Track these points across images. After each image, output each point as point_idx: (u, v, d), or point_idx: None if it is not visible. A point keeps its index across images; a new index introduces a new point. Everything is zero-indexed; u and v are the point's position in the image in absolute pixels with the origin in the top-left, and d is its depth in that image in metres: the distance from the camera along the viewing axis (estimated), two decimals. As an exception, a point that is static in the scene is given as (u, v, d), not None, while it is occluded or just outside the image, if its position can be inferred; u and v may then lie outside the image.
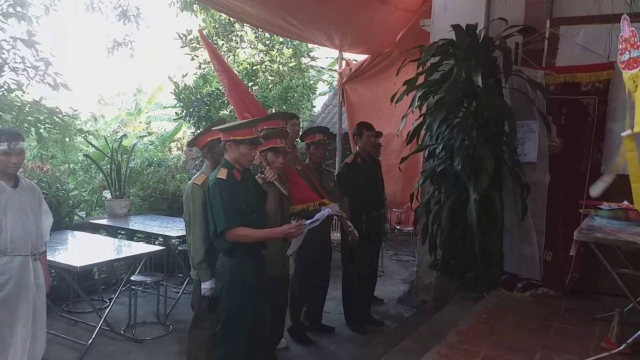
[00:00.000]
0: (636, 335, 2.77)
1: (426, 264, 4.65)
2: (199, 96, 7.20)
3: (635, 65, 2.58)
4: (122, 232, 5.51)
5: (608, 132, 4.00)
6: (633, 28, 2.67)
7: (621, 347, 2.81)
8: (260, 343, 3.20)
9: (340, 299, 4.60)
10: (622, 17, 2.66)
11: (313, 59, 10.23)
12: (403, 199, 6.97)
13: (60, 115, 5.61)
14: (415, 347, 3.09)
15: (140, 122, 12.31)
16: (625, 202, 3.26)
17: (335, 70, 9.29)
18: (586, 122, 4.08)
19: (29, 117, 5.29)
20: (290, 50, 9.34)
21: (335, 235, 5.36)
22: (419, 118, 4.22)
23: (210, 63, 6.71)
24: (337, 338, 4.30)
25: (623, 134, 2.72)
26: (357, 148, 4.52)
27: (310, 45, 9.52)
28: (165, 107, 12.08)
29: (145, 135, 10.53)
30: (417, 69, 4.21)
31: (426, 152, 4.39)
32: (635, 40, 2.63)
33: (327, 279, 4.34)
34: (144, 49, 14.11)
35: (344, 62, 7.69)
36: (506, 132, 3.98)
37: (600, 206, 3.34)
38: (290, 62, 9.40)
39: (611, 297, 3.73)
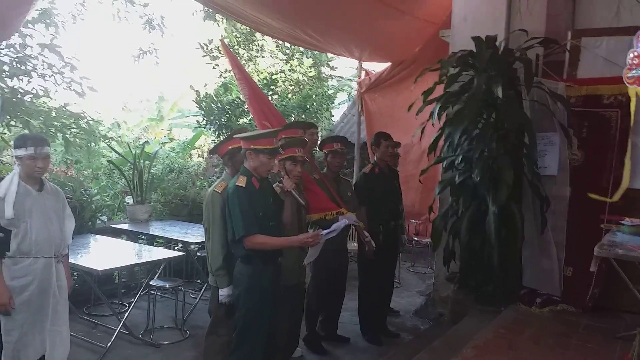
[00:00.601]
0: (658, 354, 2.71)
1: (443, 276, 4.61)
2: (219, 105, 7.31)
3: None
4: (143, 237, 5.59)
5: (632, 146, 3.93)
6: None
7: (642, 367, 2.75)
8: (276, 351, 3.22)
9: (356, 309, 4.59)
10: (638, 32, 2.63)
11: (333, 68, 10.30)
12: (421, 210, 6.93)
13: (86, 120, 5.75)
14: (430, 360, 3.07)
15: (162, 129, 12.52)
16: (649, 218, 3.20)
17: (354, 81, 9.32)
18: (608, 136, 4.01)
19: (55, 122, 5.44)
20: (310, 59, 9.41)
21: (352, 245, 5.36)
22: (438, 128, 4.21)
23: (231, 72, 6.82)
24: (352, 349, 4.29)
25: None
26: (375, 158, 4.53)
27: (330, 55, 9.58)
28: (186, 115, 12.27)
29: (167, 142, 10.71)
30: (439, 79, 4.21)
31: (445, 163, 4.38)
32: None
33: (343, 289, 4.34)
34: (168, 57, 14.38)
35: (363, 72, 7.73)
36: (526, 144, 3.95)
37: (622, 222, 3.28)
38: (310, 72, 9.47)
39: (633, 315, 3.65)
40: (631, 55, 2.69)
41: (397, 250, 4.88)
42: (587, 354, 3.10)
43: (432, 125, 4.15)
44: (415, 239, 7.38)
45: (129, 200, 6.24)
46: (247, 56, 9.13)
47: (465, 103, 3.89)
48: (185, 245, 5.14)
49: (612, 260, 2.82)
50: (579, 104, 4.11)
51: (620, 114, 3.96)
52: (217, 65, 8.69)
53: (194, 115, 9.71)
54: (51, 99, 5.67)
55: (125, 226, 5.67)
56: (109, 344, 4.01)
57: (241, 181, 2.87)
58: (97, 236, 5.15)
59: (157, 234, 5.39)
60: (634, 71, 2.69)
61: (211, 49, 8.64)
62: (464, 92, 3.98)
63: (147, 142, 9.53)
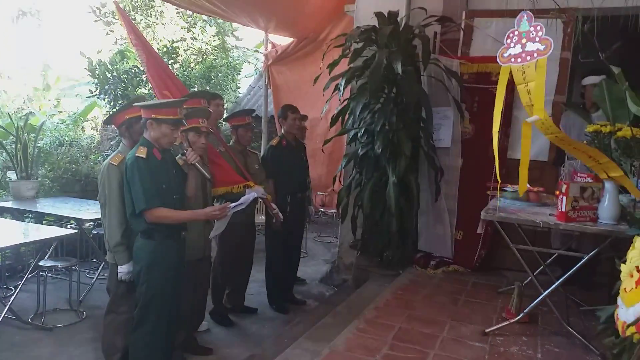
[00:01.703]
0: (532, 305, 3.06)
1: (347, 244, 4.79)
2: (115, 73, 6.81)
3: (528, 57, 2.77)
4: (30, 215, 5.13)
5: (514, 119, 4.32)
6: (539, 23, 2.86)
7: (519, 317, 3.09)
8: (180, 326, 3.16)
9: (263, 280, 4.62)
10: (522, 12, 2.84)
11: (238, 38, 10.03)
12: (328, 182, 7.08)
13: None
14: (334, 324, 3.20)
15: (49, 100, 11.42)
16: (527, 185, 3.55)
17: (260, 52, 9.17)
18: (496, 110, 4.36)
19: None
20: (214, 28, 9.08)
21: (260, 218, 5.36)
22: (342, 102, 4.30)
23: (127, 38, 6.38)
24: (259, 319, 4.34)
25: (529, 119, 2.90)
26: (283, 131, 4.52)
27: (235, 25, 9.31)
28: (77, 84, 11.28)
29: (55, 114, 9.80)
30: (342, 53, 4.28)
31: (349, 136, 4.51)
32: (538, 34, 2.82)
33: (251, 261, 4.34)
34: (54, 21, 13.07)
35: (269, 44, 7.61)
36: (423, 118, 4.18)
37: (505, 188, 3.61)
38: (214, 41, 9.15)
39: (514, 272, 4.08)
40: (510, 35, 2.89)
41: (304, 221, 4.96)
42: (474, 308, 3.42)
43: (340, 100, 4.23)
44: (322, 210, 7.57)
45: (12, 175, 5.67)
46: (145, 23, 8.57)
47: (367, 78, 4.00)
48: (79, 222, 4.80)
49: (496, 223, 3.09)
50: (471, 81, 4.41)
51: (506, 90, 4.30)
52: (112, 31, 8.07)
53: (85, 85, 8.97)
54: None
55: (8, 204, 5.14)
56: (-7, 331, 3.68)
57: (141, 152, 2.71)
58: (-25, 216, 4.64)
59: (46, 212, 4.97)
60: (510, 49, 2.89)
61: (105, 13, 7.99)
62: (367, 67, 4.09)
63: (31, 113, 8.64)
